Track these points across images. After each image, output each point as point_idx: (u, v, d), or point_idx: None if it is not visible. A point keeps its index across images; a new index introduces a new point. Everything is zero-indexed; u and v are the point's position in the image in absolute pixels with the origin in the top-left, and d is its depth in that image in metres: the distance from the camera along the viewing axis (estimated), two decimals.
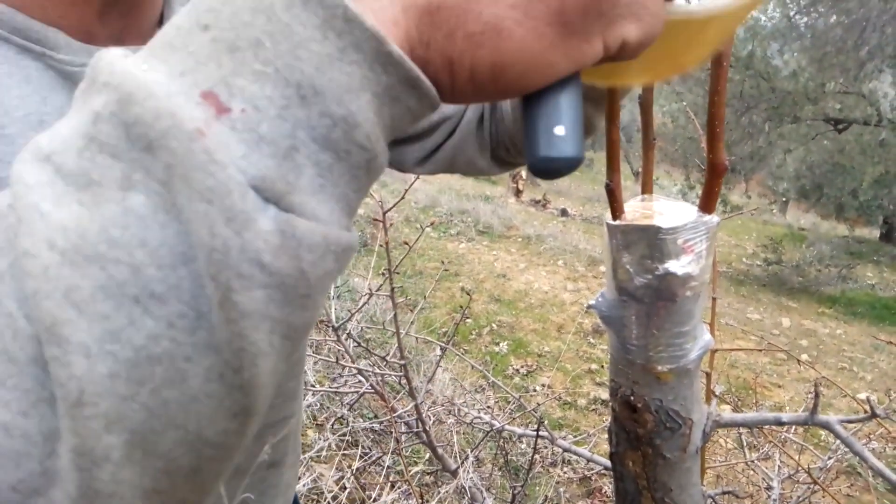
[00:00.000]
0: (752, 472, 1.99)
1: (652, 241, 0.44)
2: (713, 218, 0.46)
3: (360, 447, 1.79)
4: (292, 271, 0.19)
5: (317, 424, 1.95)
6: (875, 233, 11.05)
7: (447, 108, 0.60)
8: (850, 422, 0.58)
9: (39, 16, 0.37)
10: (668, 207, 0.48)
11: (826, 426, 0.57)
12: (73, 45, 0.38)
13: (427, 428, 1.32)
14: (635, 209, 0.49)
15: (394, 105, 0.21)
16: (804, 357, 4.23)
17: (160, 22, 0.45)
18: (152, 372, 0.19)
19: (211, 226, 0.18)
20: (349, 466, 1.67)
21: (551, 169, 0.24)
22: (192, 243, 0.18)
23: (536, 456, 2.24)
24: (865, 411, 0.60)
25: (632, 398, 0.49)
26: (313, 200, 0.20)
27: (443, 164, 0.63)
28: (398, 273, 1.54)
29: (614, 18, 0.23)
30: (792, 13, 8.00)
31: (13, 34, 0.36)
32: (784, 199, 10.57)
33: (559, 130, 0.23)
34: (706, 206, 0.46)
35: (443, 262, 4.88)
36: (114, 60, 0.20)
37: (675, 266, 0.44)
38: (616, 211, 0.47)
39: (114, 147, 0.19)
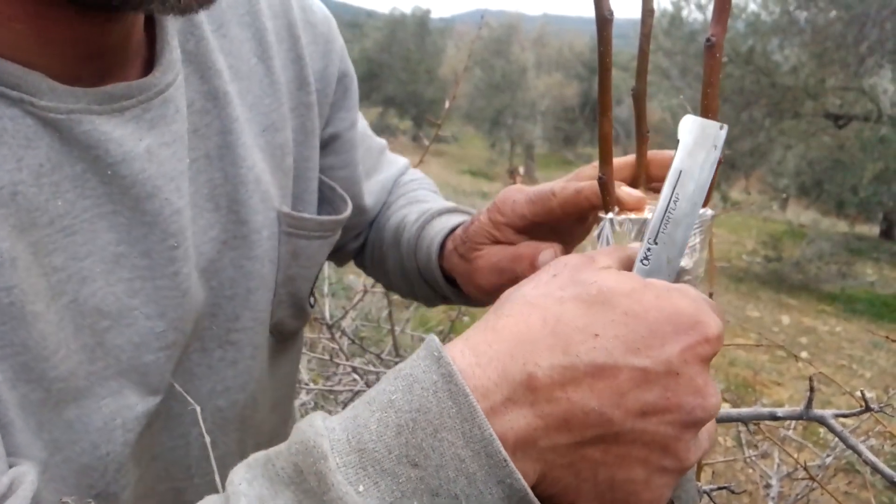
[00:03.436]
0: (750, 470, 1.99)
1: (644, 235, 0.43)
2: (707, 211, 0.45)
3: None
4: None
5: None
6: (875, 230, 11.03)
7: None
8: (844, 416, 0.57)
9: (21, 58, 0.34)
10: None
11: (820, 420, 0.56)
12: (58, 90, 0.34)
13: None
14: None
15: None
16: (804, 354, 4.23)
17: (150, 40, 0.41)
18: None
19: None
20: None
21: None
22: None
23: None
24: (861, 406, 0.59)
25: None
26: None
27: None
28: None
29: None
30: (792, 8, 7.98)
31: None
32: (784, 196, 10.56)
33: None
34: None
35: None
36: (337, 485, 0.24)
37: None
38: (609, 204, 0.46)
39: None
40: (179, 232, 0.40)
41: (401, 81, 19.80)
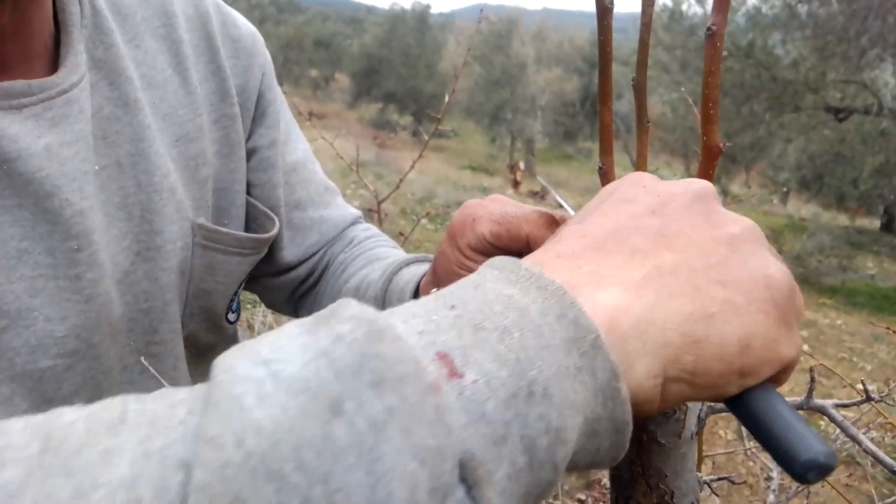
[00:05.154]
0: (751, 463, 1.99)
1: None
2: None
3: None
4: None
5: None
6: (875, 223, 11.02)
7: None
8: (845, 406, 0.57)
9: None
10: None
11: (821, 410, 0.56)
12: None
13: None
14: None
15: (590, 439, 0.22)
16: (804, 347, 4.23)
17: (56, 46, 0.41)
18: None
19: (413, 488, 0.17)
20: None
21: (828, 467, 0.23)
22: (380, 499, 0.17)
23: None
24: (862, 396, 0.59)
25: None
26: (496, 499, 0.19)
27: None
28: None
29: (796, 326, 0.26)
30: (793, 2, 7.96)
31: None
32: (785, 190, 10.55)
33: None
34: None
35: None
36: (358, 309, 0.20)
37: None
38: None
39: (342, 370, 0.18)
40: (83, 234, 0.39)
41: (401, 77, 19.76)
